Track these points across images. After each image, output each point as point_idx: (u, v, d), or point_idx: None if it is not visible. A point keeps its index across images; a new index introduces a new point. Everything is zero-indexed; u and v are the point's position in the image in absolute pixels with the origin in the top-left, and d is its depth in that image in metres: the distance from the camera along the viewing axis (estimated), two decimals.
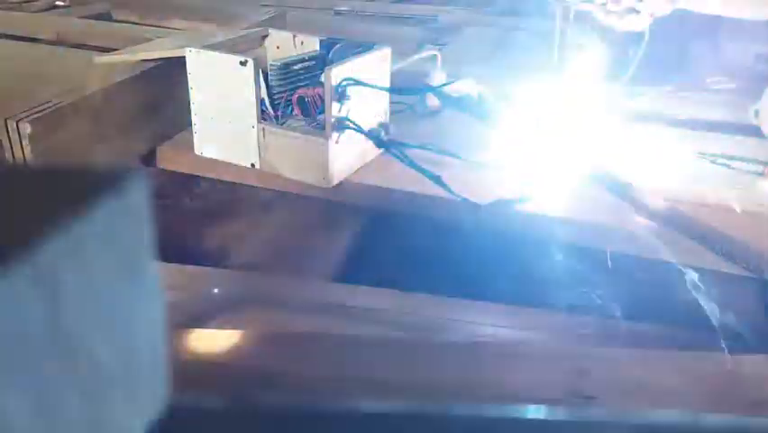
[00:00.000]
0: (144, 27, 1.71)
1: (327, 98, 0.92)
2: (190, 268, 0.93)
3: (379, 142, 1.00)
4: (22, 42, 1.46)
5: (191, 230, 1.12)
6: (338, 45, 1.06)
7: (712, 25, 1.30)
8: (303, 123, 1.02)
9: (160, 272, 0.22)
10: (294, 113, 1.03)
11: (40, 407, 0.17)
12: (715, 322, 0.75)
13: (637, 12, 1.10)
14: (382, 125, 1.02)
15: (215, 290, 0.88)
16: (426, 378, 0.66)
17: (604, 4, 1.10)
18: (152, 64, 1.09)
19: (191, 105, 1.02)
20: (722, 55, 1.55)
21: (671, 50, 1.38)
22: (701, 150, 1.09)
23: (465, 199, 0.92)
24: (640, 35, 1.14)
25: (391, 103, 1.06)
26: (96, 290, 0.19)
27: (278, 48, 1.13)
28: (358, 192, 1.00)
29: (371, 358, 0.70)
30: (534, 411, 0.58)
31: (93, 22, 1.69)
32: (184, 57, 1.00)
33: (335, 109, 0.92)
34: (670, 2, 1.12)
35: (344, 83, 0.92)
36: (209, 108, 1.01)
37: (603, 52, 1.11)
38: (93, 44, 1.40)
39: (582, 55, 1.10)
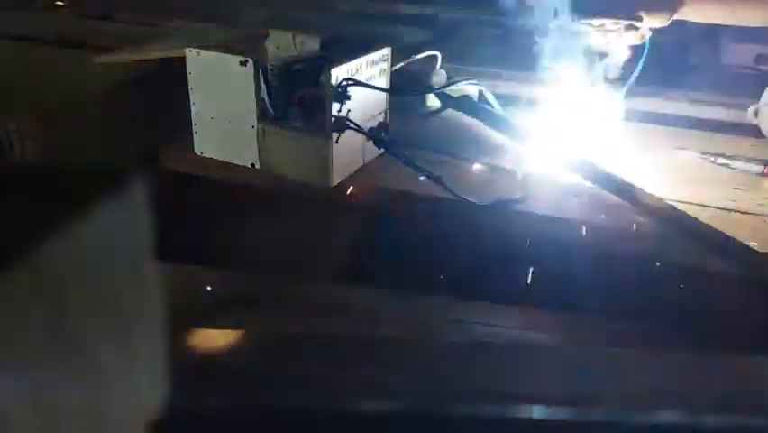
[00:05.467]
0: (144, 27, 1.71)
1: (327, 98, 0.91)
2: (190, 268, 0.92)
3: (379, 142, 1.00)
4: (22, 42, 1.46)
5: (191, 230, 1.12)
6: (338, 45, 1.06)
7: (713, 26, 1.30)
8: (303, 123, 1.02)
9: (160, 272, 0.22)
10: (294, 113, 1.03)
11: (40, 406, 0.17)
12: None
13: (636, 28, 1.11)
14: (382, 125, 1.02)
15: (209, 288, 0.88)
16: (426, 378, 0.66)
17: (602, 25, 1.11)
18: (153, 64, 1.09)
19: (191, 104, 1.02)
20: (723, 55, 1.55)
21: (671, 51, 1.37)
22: (701, 150, 1.09)
23: (465, 199, 0.92)
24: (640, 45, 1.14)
25: (391, 103, 1.06)
26: (97, 290, 0.19)
27: (278, 48, 1.13)
28: (358, 192, 1.00)
29: (371, 358, 0.70)
30: (534, 411, 0.58)
31: (93, 22, 1.69)
32: (184, 57, 1.00)
33: (335, 109, 0.92)
34: (668, 15, 1.13)
35: (344, 83, 0.91)
36: (209, 108, 1.01)
37: (601, 63, 1.11)
38: (93, 44, 1.40)
39: (580, 64, 1.10)
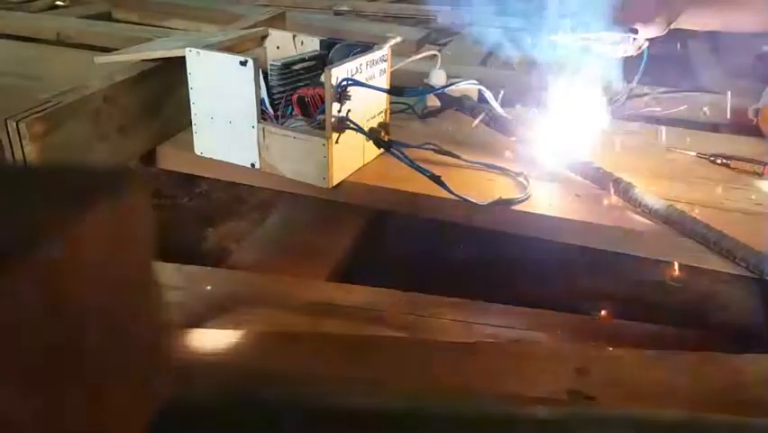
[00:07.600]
0: (144, 27, 1.71)
1: (327, 98, 0.91)
2: (190, 268, 0.93)
3: (379, 143, 1.00)
4: (22, 42, 1.46)
5: (191, 230, 1.12)
6: (338, 45, 1.06)
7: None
8: (303, 123, 1.02)
9: (160, 272, 0.22)
10: (294, 113, 1.03)
11: (40, 405, 0.17)
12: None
13: (633, 39, 1.12)
14: (382, 125, 1.02)
15: (208, 287, 0.88)
16: (426, 378, 0.66)
17: (598, 38, 1.11)
18: (152, 64, 1.09)
19: (191, 105, 1.02)
20: (722, 55, 1.55)
21: (671, 51, 1.38)
22: (701, 150, 1.09)
23: (465, 199, 0.92)
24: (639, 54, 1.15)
25: (391, 103, 1.06)
26: (97, 290, 0.19)
27: (278, 48, 1.13)
28: (358, 192, 1.00)
29: (371, 358, 0.70)
30: (535, 411, 0.58)
31: (93, 22, 1.69)
32: (184, 57, 1.00)
33: (335, 109, 0.92)
34: (665, 25, 1.14)
35: (344, 83, 0.91)
36: (209, 108, 1.01)
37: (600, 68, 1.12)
38: (93, 44, 1.40)
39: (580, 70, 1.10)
